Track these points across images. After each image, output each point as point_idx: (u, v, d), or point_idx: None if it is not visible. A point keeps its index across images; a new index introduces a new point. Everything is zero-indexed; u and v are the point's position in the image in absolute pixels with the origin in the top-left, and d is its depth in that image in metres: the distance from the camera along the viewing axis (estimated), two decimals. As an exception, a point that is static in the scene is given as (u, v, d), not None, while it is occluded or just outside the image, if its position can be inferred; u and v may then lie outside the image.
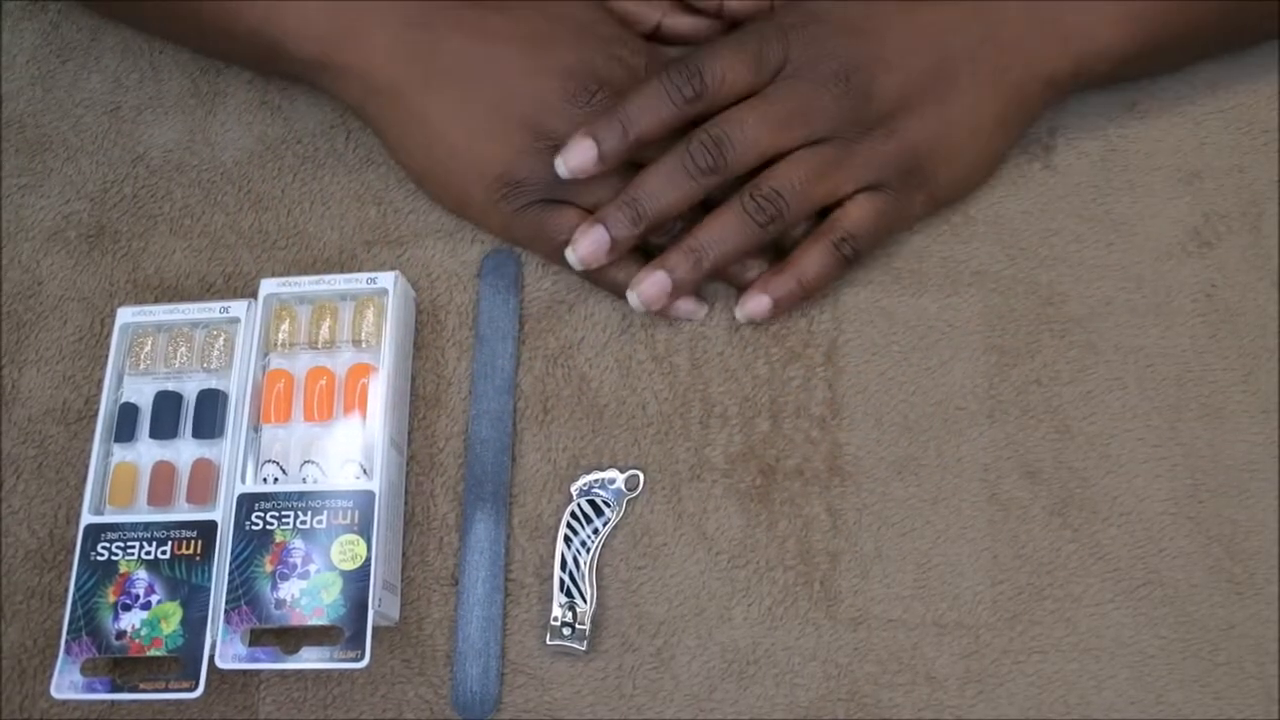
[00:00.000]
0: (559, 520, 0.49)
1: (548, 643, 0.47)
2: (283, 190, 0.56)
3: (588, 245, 0.49)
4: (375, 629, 0.46)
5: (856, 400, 0.51)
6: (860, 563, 0.48)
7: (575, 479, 0.50)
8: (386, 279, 0.50)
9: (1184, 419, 0.50)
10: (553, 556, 0.49)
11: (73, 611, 0.46)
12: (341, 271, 0.53)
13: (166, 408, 0.49)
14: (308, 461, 0.48)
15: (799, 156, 0.49)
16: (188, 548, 0.46)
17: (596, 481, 0.49)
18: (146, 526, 0.47)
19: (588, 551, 0.48)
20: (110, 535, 0.47)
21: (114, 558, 0.46)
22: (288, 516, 0.46)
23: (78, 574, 0.46)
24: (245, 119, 0.57)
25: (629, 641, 0.48)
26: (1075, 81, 0.52)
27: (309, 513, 0.46)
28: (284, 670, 0.47)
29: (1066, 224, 0.53)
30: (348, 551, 0.46)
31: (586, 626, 0.47)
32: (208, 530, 0.46)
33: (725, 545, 0.49)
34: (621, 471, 0.50)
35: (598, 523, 0.49)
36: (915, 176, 0.50)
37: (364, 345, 0.50)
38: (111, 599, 0.46)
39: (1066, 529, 0.49)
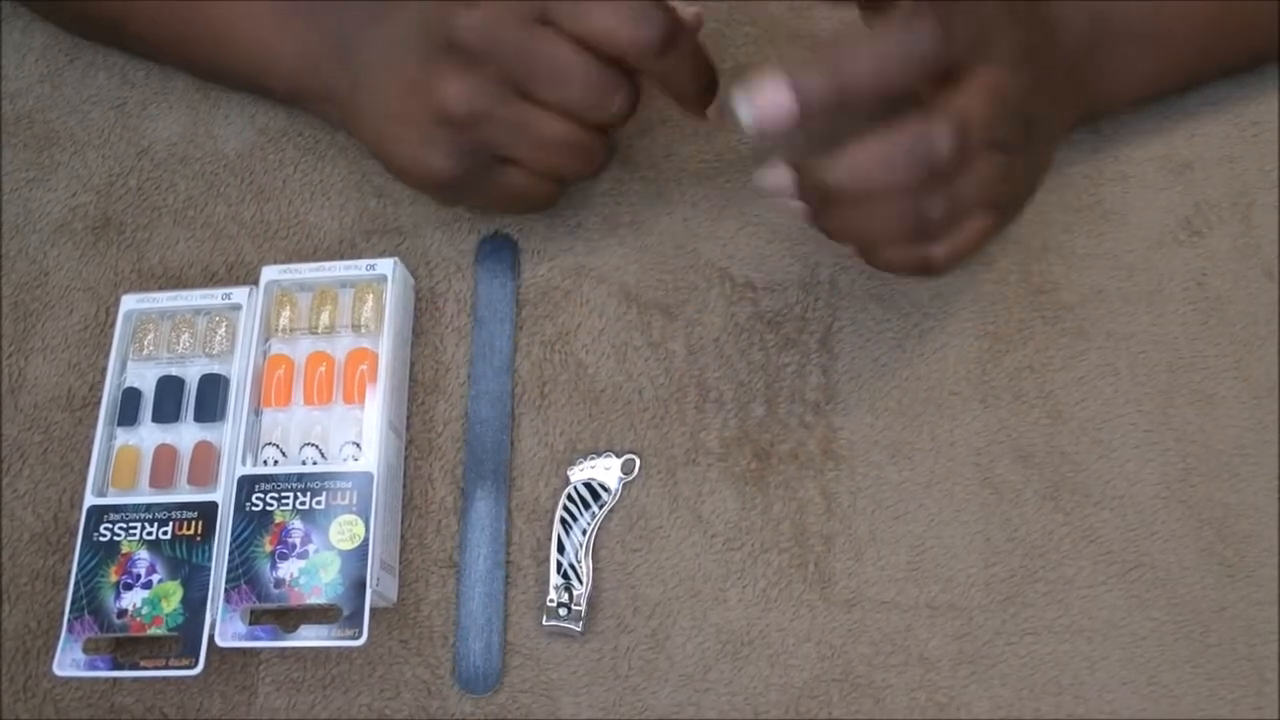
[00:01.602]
0: (556, 504, 0.50)
1: (544, 623, 0.47)
2: (284, 181, 0.57)
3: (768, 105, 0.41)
4: (373, 610, 0.46)
5: (850, 385, 0.51)
6: (854, 545, 0.49)
7: (572, 463, 0.50)
8: (386, 266, 0.51)
9: (1175, 404, 0.50)
10: (549, 540, 0.49)
11: (75, 591, 0.46)
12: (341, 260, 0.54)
13: (169, 392, 0.50)
14: (307, 444, 0.49)
15: (987, 160, 0.43)
16: (188, 528, 0.47)
17: (593, 466, 0.50)
18: (148, 507, 0.47)
19: (584, 534, 0.49)
20: (113, 516, 0.47)
21: (116, 538, 0.47)
22: (287, 497, 0.47)
23: (80, 554, 0.47)
24: (248, 112, 0.58)
25: (625, 623, 0.48)
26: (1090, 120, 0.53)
27: (308, 494, 0.47)
28: (283, 648, 0.48)
29: (1057, 214, 0.54)
30: (346, 531, 0.46)
31: (582, 608, 0.48)
32: (208, 511, 0.47)
33: (720, 528, 0.49)
34: (618, 456, 0.50)
35: (594, 506, 0.49)
36: (1011, 209, 0.47)
37: (363, 331, 0.50)
38: (113, 578, 0.46)
39: (1059, 512, 0.49)
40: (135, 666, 0.46)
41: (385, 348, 0.50)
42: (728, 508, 0.50)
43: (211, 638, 0.45)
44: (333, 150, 0.57)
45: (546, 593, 0.48)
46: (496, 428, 0.51)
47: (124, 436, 0.50)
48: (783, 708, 0.47)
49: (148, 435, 0.50)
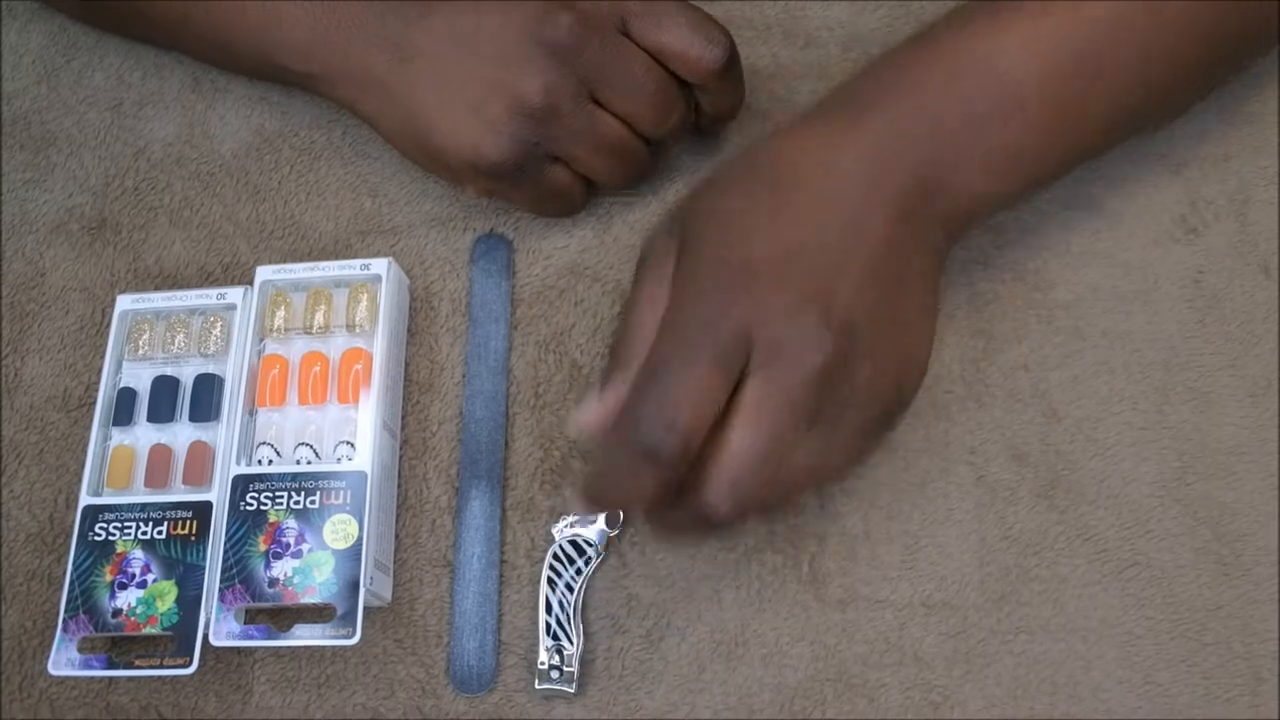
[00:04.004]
0: (549, 508, 0.50)
1: (536, 687, 0.47)
2: (279, 182, 0.57)
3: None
4: (368, 609, 0.46)
5: (845, 385, 0.51)
6: (848, 544, 0.49)
7: (555, 521, 0.49)
8: (380, 265, 0.51)
9: (1171, 403, 0.50)
10: (545, 540, 0.49)
11: (70, 590, 0.47)
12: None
13: (164, 392, 0.50)
14: (301, 444, 0.49)
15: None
16: (183, 528, 0.47)
17: (578, 521, 0.49)
18: (143, 507, 0.48)
19: (572, 593, 0.48)
20: (108, 516, 0.48)
21: (111, 538, 0.47)
22: (281, 497, 0.47)
23: (75, 554, 0.47)
24: (243, 113, 0.58)
25: (619, 623, 0.48)
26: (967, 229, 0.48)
27: (302, 493, 0.47)
28: (277, 647, 0.48)
29: (1053, 212, 0.54)
30: (340, 531, 0.46)
31: (574, 668, 0.47)
32: (203, 510, 0.47)
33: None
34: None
35: (580, 563, 0.49)
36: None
37: (358, 331, 0.50)
38: (108, 578, 0.47)
39: (1053, 511, 0.49)
40: (130, 666, 0.46)
41: (380, 348, 0.50)
42: (722, 507, 0.50)
43: (206, 637, 0.45)
44: (328, 151, 0.57)
45: (538, 596, 0.48)
46: (491, 427, 0.51)
47: (119, 436, 0.50)
48: (777, 707, 0.47)
49: (143, 435, 0.50)
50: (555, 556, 0.49)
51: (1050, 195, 0.54)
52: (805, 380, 0.41)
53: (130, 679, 0.48)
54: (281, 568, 0.46)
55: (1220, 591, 0.47)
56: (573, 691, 0.47)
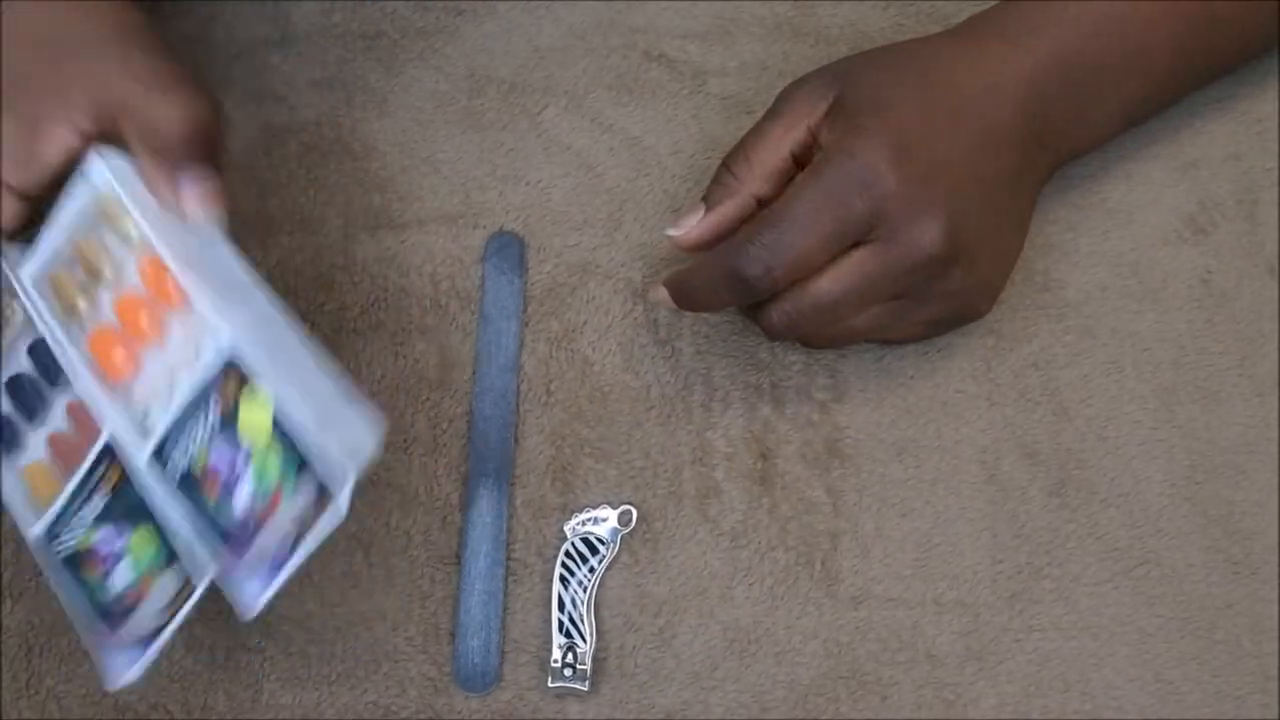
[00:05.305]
0: (561, 506, 0.50)
1: (549, 685, 0.47)
2: (287, 177, 0.56)
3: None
4: (370, 482, 0.44)
5: (857, 384, 0.51)
6: (860, 543, 0.49)
7: (568, 519, 0.49)
8: (96, 170, 0.45)
9: (1180, 401, 0.50)
10: (558, 538, 0.49)
11: (74, 613, 0.45)
12: (344, 257, 0.53)
13: (18, 392, 0.48)
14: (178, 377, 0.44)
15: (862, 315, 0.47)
16: (110, 480, 0.45)
17: (590, 519, 0.49)
18: (72, 497, 0.46)
19: (585, 591, 0.48)
20: (57, 529, 0.46)
21: (72, 543, 0.46)
22: (190, 440, 0.43)
23: (56, 579, 0.46)
24: (249, 108, 0.58)
25: (631, 621, 0.48)
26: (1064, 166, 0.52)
27: (204, 417, 0.43)
28: (295, 571, 0.42)
29: (1062, 213, 0.54)
30: (254, 418, 0.41)
31: (588, 666, 0.47)
32: (108, 454, 0.45)
33: (727, 527, 0.49)
34: (614, 507, 0.49)
35: (593, 561, 0.49)
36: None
37: (139, 245, 0.45)
38: (96, 575, 0.45)
39: (1065, 509, 0.49)
40: (170, 620, 0.43)
41: (160, 239, 0.44)
42: (734, 506, 0.50)
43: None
44: (336, 147, 0.57)
45: (550, 592, 0.48)
46: (500, 425, 0.51)
47: (20, 459, 0.48)
48: (790, 705, 0.47)
49: (33, 440, 0.48)
50: (568, 554, 0.49)
51: (1059, 196, 0.54)
52: (903, 269, 0.44)
53: (175, 631, 0.45)
54: (241, 498, 0.42)
55: (1230, 589, 0.48)
56: (586, 689, 0.47)
